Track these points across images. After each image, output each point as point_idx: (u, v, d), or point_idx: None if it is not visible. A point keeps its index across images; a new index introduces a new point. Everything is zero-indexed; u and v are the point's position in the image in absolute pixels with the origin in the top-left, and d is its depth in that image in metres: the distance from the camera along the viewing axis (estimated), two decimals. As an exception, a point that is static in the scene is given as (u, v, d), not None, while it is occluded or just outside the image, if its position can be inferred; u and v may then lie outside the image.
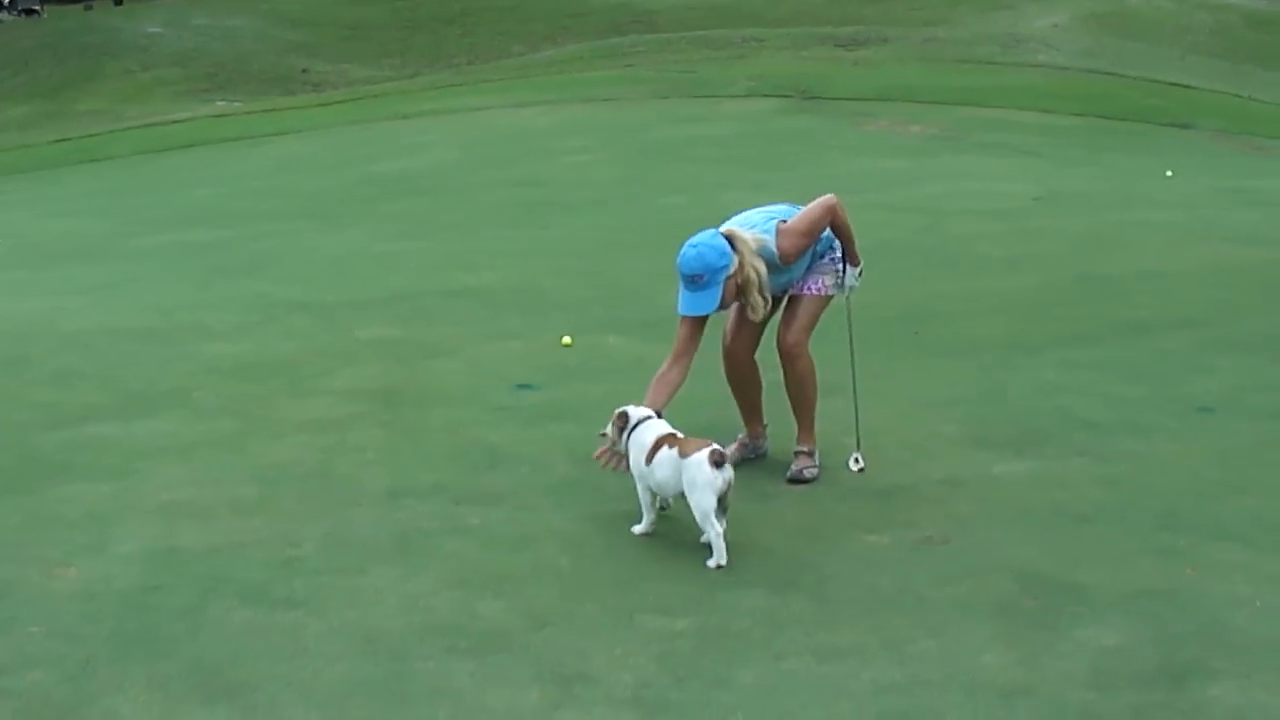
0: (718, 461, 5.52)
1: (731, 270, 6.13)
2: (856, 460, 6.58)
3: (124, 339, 8.92)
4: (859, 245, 6.56)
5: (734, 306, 6.47)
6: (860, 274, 6.57)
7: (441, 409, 7.55)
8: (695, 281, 6.14)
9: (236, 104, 22.89)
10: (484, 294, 10.18)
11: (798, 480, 6.47)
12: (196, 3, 34.92)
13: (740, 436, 6.79)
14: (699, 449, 5.56)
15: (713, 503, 5.50)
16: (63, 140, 21.16)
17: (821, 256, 6.52)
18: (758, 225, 6.33)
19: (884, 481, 6.52)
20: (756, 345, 6.70)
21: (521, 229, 12.67)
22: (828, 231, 6.45)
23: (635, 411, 5.98)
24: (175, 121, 20.84)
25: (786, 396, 6.66)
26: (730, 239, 6.17)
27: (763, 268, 6.20)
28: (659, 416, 5.98)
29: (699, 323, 6.26)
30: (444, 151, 16.96)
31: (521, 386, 7.95)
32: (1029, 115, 19.43)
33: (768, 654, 4.85)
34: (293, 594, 5.30)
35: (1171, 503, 6.26)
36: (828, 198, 6.41)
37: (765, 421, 6.80)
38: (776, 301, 6.56)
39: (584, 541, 5.83)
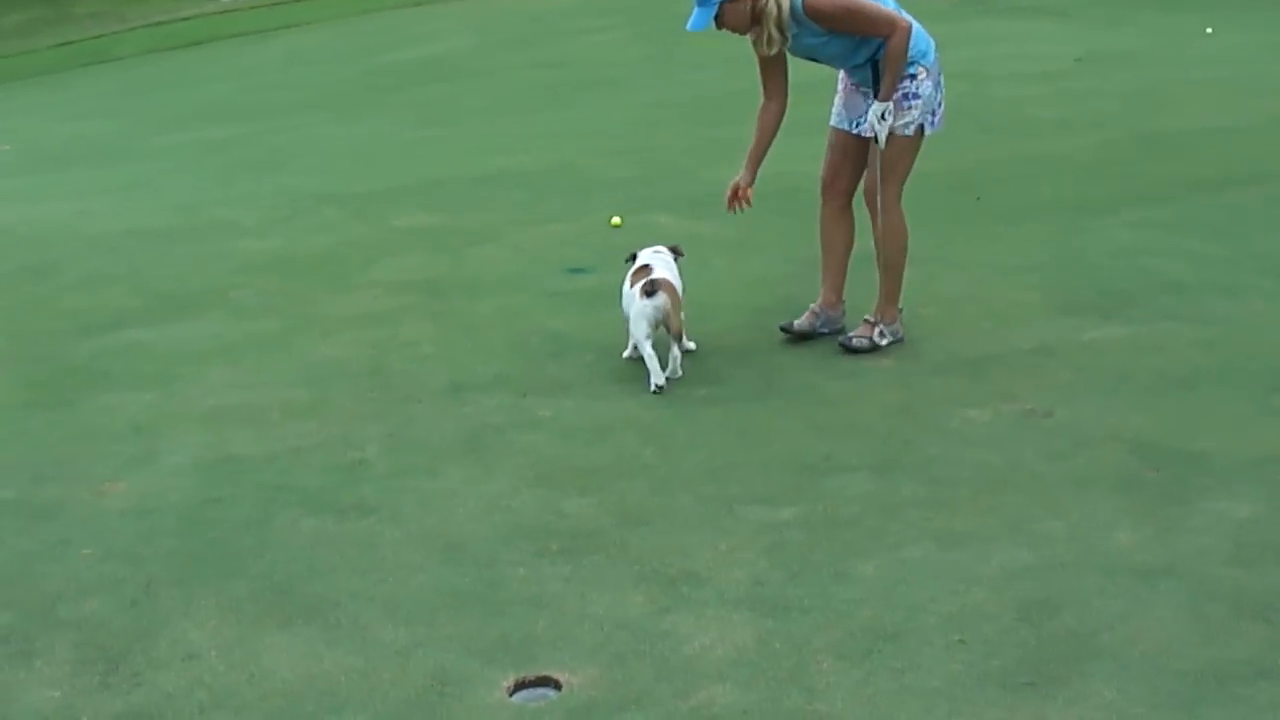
0: (649, 291, 5.72)
1: None
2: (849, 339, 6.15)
3: (151, 240, 8.53)
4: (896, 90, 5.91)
5: (829, 137, 6.20)
6: (884, 116, 5.89)
7: (493, 297, 7.16)
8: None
9: (242, 0, 22.19)
10: (520, 177, 9.76)
11: (845, 347, 6.12)
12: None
13: (812, 305, 6.39)
14: (640, 280, 5.79)
15: (643, 329, 5.75)
16: (65, 44, 20.50)
17: (894, 90, 5.88)
18: None
19: (973, 352, 6.14)
20: (854, 186, 6.28)
21: (549, 111, 12.20)
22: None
23: (642, 254, 6.14)
24: (181, 19, 20.19)
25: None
26: None
27: (786, 3, 5.71)
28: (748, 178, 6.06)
29: (770, 64, 5.95)
30: (460, 38, 16.41)
31: (574, 270, 7.55)
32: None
33: (884, 542, 4.49)
34: (362, 500, 4.94)
35: (1277, 363, 5.87)
36: (902, 20, 5.81)
37: (843, 297, 6.38)
38: (868, 140, 6.04)
39: (665, 430, 5.46)
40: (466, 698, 3.73)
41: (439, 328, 6.73)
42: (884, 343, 6.19)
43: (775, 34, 5.78)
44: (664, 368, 5.83)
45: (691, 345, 6.12)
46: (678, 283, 6.04)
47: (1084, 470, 4.96)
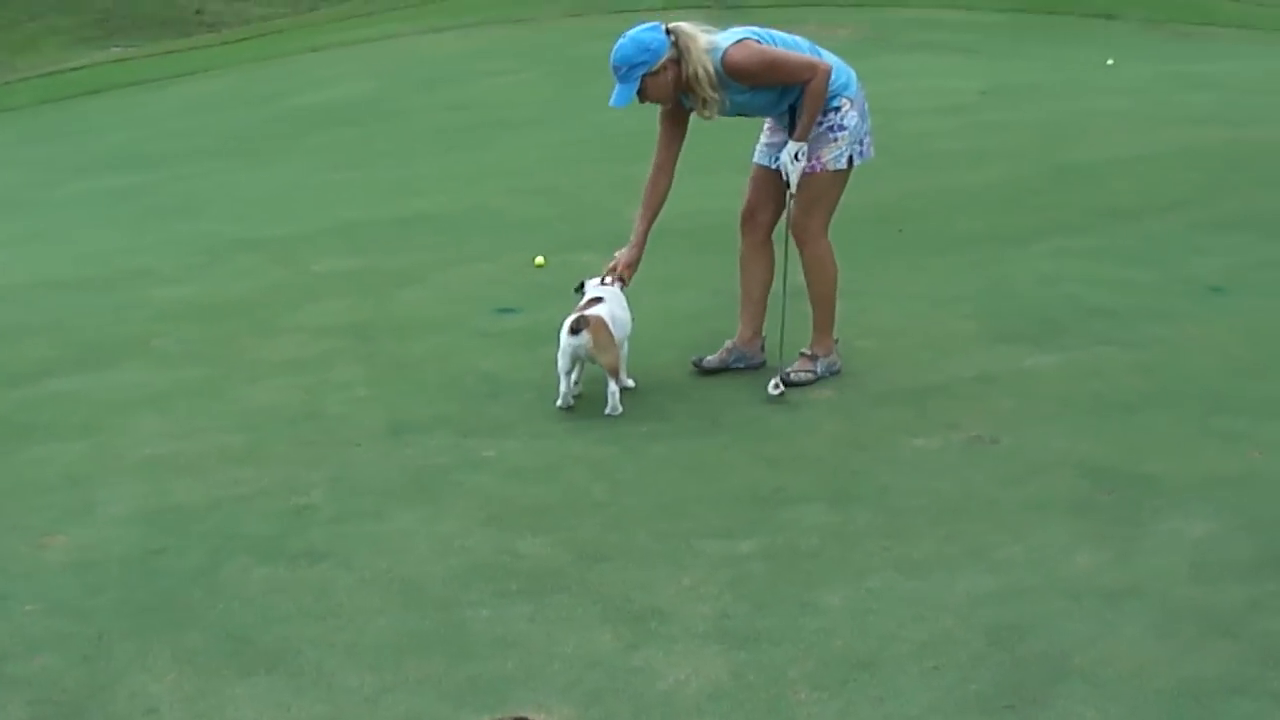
0: (574, 329, 5.76)
1: (655, 66, 5.69)
2: (776, 386, 6.01)
3: (65, 290, 8.32)
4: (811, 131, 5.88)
5: (751, 173, 6.18)
6: (798, 156, 5.85)
7: (423, 339, 7.06)
8: (617, 72, 5.77)
9: (133, 49, 21.86)
10: (439, 219, 9.68)
11: (785, 381, 6.03)
12: (76, -54, 33.44)
13: (728, 342, 6.37)
14: (569, 318, 5.83)
15: (563, 364, 5.85)
16: (-47, 95, 20.11)
17: (818, 125, 5.87)
18: (726, 36, 5.81)
19: (914, 382, 6.16)
20: (774, 220, 6.25)
21: (462, 152, 12.14)
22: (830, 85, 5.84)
23: (590, 284, 6.12)
24: (74, 69, 19.85)
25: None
26: (675, 34, 5.74)
27: (711, 66, 5.72)
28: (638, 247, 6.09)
29: (669, 128, 5.97)
30: (362, 82, 16.28)
31: (502, 310, 7.48)
32: (952, 13, 19.13)
33: (847, 572, 4.47)
34: (311, 546, 4.82)
35: (1214, 385, 5.97)
36: (821, 62, 5.81)
37: (763, 333, 6.35)
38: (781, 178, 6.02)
39: (613, 467, 5.40)
40: (442, 743, 3.63)
41: (371, 370, 6.62)
42: (825, 375, 6.21)
43: (713, 95, 5.77)
44: (607, 404, 5.82)
45: (630, 383, 6.08)
46: (625, 315, 6.00)
47: (1037, 495, 4.98)
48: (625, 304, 6.09)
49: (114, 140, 14.20)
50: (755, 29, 5.94)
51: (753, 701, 3.75)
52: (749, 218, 6.26)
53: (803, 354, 6.24)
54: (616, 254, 6.14)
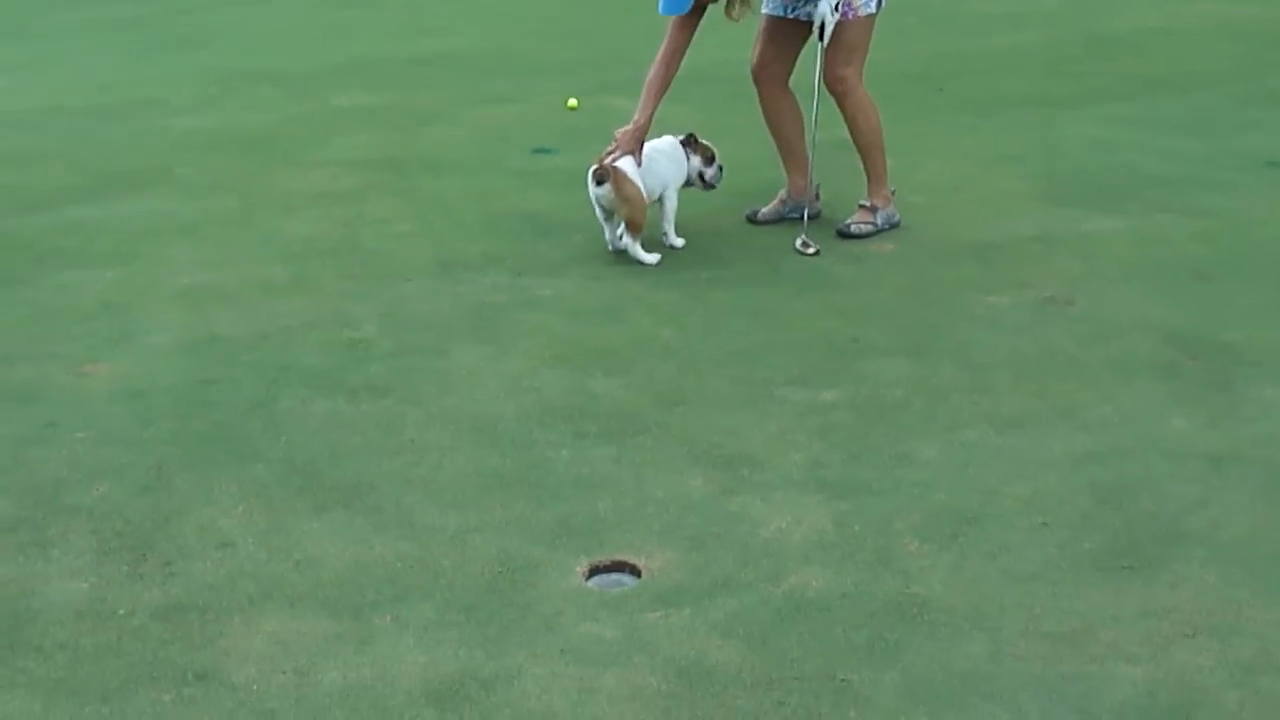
0: (599, 179, 5.59)
1: None
2: (805, 244, 5.81)
3: (75, 116, 8.00)
4: None
5: (761, 24, 5.98)
6: (838, 7, 5.70)
7: (459, 176, 6.81)
8: None
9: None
10: (460, 59, 9.35)
11: (843, 233, 5.94)
12: None
13: (780, 192, 6.21)
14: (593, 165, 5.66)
15: (598, 212, 5.70)
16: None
17: None
18: None
19: (974, 239, 5.98)
20: (788, 70, 6.10)
21: (474, -8, 11.72)
22: None
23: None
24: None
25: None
26: None
27: None
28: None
29: (687, 23, 5.73)
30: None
31: (539, 150, 7.22)
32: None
33: (939, 425, 4.29)
34: (371, 380, 4.61)
35: (1283, 256, 5.79)
36: None
37: (816, 180, 6.14)
38: (804, 25, 5.89)
39: (679, 311, 5.20)
40: (540, 583, 3.46)
41: (409, 206, 6.37)
42: (884, 227, 6.04)
43: None
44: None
45: (679, 241, 5.86)
46: (668, 168, 5.80)
47: (1120, 357, 4.81)
48: (679, 155, 5.83)
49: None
50: None
51: (862, 552, 3.59)
52: (763, 69, 6.06)
53: (861, 205, 6.05)
54: (616, 133, 5.77)
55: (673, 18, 5.72)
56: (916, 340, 4.94)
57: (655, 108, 5.74)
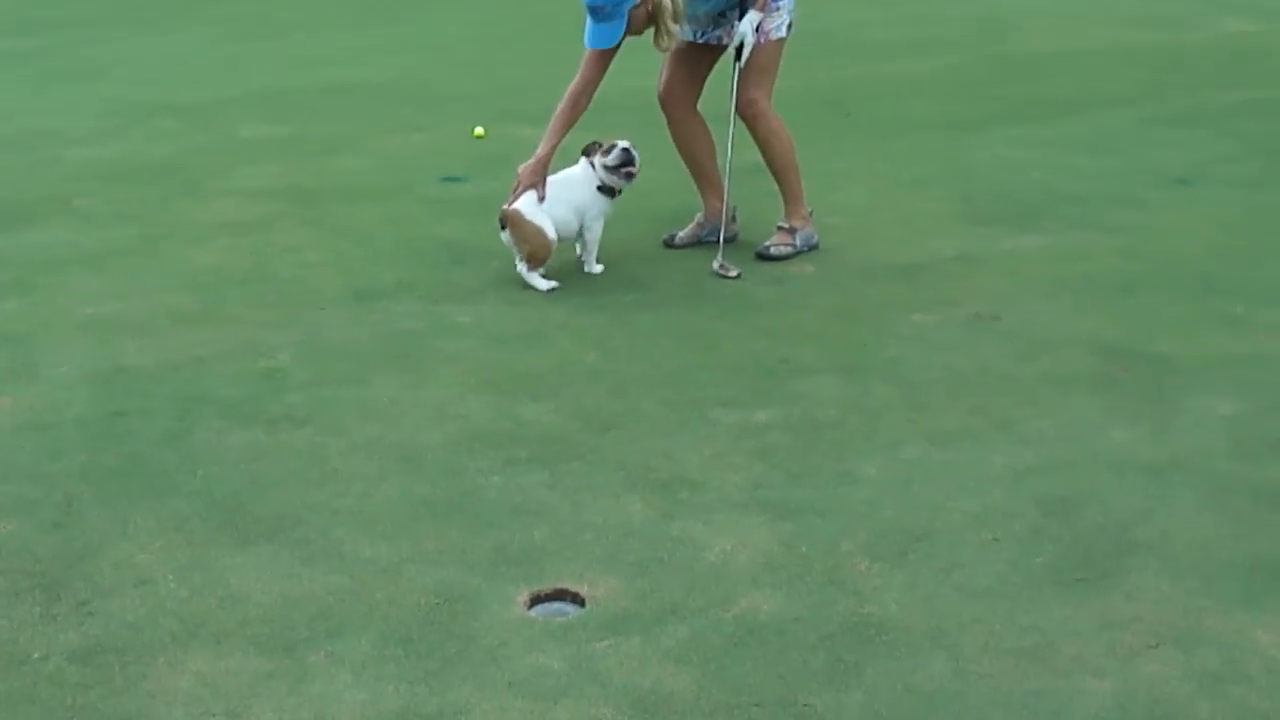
0: (501, 224, 5.57)
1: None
2: (724, 267, 5.71)
3: (-36, 147, 7.71)
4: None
5: (670, 52, 5.87)
6: (759, 28, 5.67)
7: (370, 204, 6.65)
8: (599, 13, 5.48)
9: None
10: (364, 89, 9.19)
11: (762, 255, 5.88)
12: None
13: (697, 216, 6.13)
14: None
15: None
16: None
17: None
18: None
19: (896, 259, 5.93)
20: (696, 95, 6.04)
21: (374, 26, 11.58)
22: None
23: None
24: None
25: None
26: None
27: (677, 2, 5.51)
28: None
29: (605, 56, 5.63)
30: (256, -46, 15.45)
31: (449, 179, 7.08)
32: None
33: (878, 443, 4.21)
34: (290, 410, 4.43)
35: (1204, 270, 5.82)
36: None
37: (733, 203, 6.03)
38: (713, 49, 5.88)
39: (603, 334, 5.08)
40: (481, 614, 3.31)
41: (319, 234, 6.20)
42: (804, 249, 5.99)
43: (673, 27, 5.57)
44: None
45: (599, 268, 5.74)
46: (580, 200, 5.66)
47: (1053, 371, 4.77)
48: (590, 178, 5.69)
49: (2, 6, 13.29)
50: None
51: (811, 573, 3.48)
52: (670, 95, 6.01)
53: (779, 227, 5.99)
54: (519, 168, 5.64)
55: (588, 52, 5.61)
56: (846, 359, 4.86)
57: (559, 140, 5.62)
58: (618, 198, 5.73)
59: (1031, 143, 7.90)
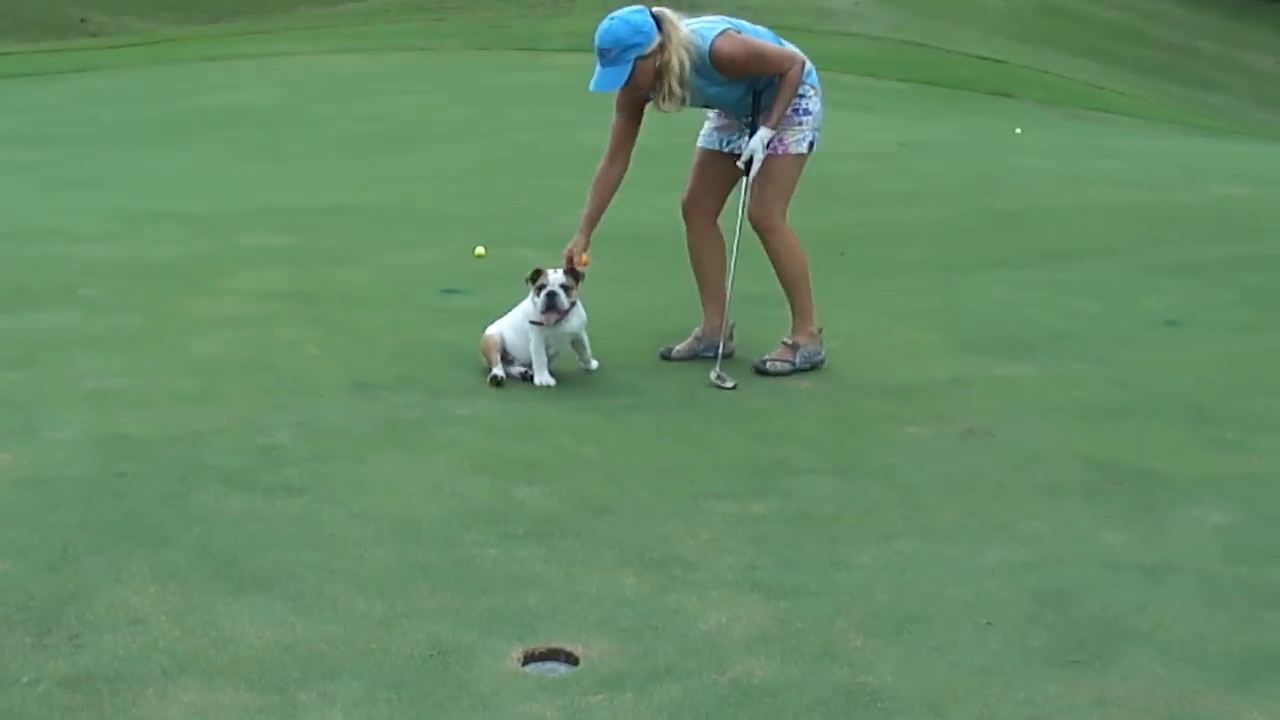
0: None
1: (647, 50, 5.45)
2: (720, 378, 5.73)
3: (-28, 241, 7.79)
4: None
5: (695, 158, 5.97)
6: (769, 145, 5.69)
7: (371, 310, 6.71)
8: (604, 55, 5.50)
9: (16, 47, 21.05)
10: (369, 211, 9.31)
11: (759, 370, 5.89)
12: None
13: (695, 330, 6.14)
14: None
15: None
16: None
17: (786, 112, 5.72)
18: (705, 25, 5.59)
19: (890, 380, 5.99)
20: (718, 207, 6.09)
21: (379, 156, 11.77)
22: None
23: (551, 276, 5.60)
24: (-47, 56, 19.03)
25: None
26: (659, 20, 5.50)
27: (687, 59, 5.50)
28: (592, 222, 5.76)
29: (630, 116, 5.73)
30: (266, 90, 15.79)
31: (449, 291, 7.16)
32: (856, 79, 19.24)
33: (872, 536, 4.22)
34: (287, 481, 4.44)
35: (1195, 401, 5.88)
36: (797, 51, 5.74)
37: (731, 320, 6.07)
38: (735, 161, 5.83)
39: (599, 431, 5.11)
40: (474, 666, 3.29)
41: (322, 332, 6.25)
42: (804, 365, 5.98)
43: (676, 89, 5.54)
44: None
45: (595, 364, 5.82)
46: (516, 319, 5.71)
47: (1046, 481, 4.81)
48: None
49: (7, 122, 13.50)
50: (726, 18, 5.74)
51: (805, 645, 3.48)
52: (693, 204, 6.06)
53: (783, 343, 6.01)
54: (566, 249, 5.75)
55: (615, 119, 5.71)
56: (841, 463, 4.90)
57: (597, 211, 5.73)
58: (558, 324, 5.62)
59: (1023, 284, 8.02)
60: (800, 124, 5.78)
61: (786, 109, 5.71)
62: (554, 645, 3.42)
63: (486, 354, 5.67)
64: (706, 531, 4.21)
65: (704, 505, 4.43)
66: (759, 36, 5.76)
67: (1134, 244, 9.38)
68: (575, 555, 3.98)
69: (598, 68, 5.53)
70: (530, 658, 3.38)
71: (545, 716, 3.08)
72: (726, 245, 6.08)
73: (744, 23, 5.80)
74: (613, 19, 5.52)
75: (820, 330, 6.08)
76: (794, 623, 3.61)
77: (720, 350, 5.98)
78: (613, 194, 5.81)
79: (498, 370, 5.61)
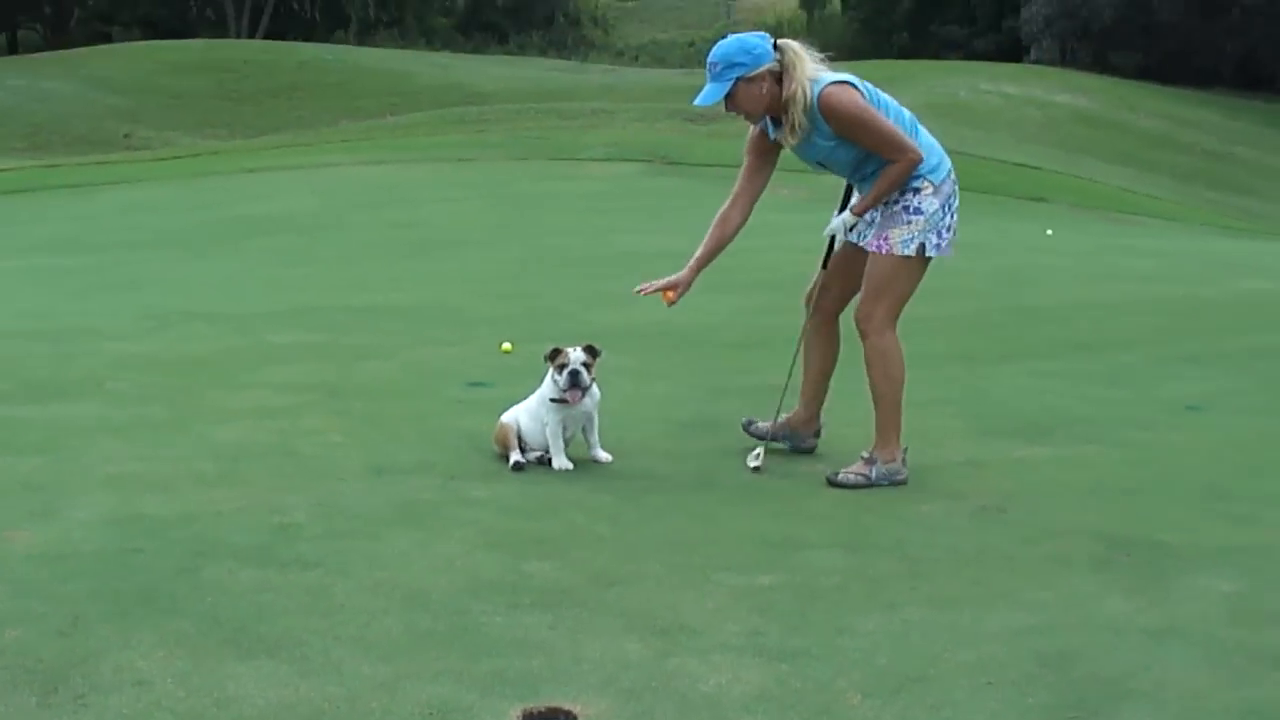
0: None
1: (754, 73, 5.28)
2: (758, 456, 5.65)
3: (9, 338, 7.99)
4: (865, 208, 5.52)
5: (824, 250, 5.79)
6: (852, 229, 5.55)
7: (395, 401, 6.82)
8: (712, 70, 5.35)
9: (61, 162, 21.59)
10: (398, 311, 9.47)
11: (831, 482, 5.55)
12: (9, 63, 33.27)
13: (783, 415, 5.91)
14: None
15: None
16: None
17: (893, 203, 5.47)
18: (830, 75, 5.40)
19: (909, 463, 5.99)
20: (842, 304, 5.90)
21: (413, 260, 11.98)
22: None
23: (572, 355, 5.65)
24: (2, 170, 19.49)
25: None
26: (781, 49, 5.36)
27: (810, 93, 5.30)
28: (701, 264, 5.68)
29: (758, 156, 5.63)
30: (303, 199, 16.14)
31: (474, 384, 7.26)
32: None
33: (878, 604, 4.25)
34: (301, 556, 4.51)
35: (1209, 479, 5.88)
36: (914, 153, 5.37)
37: (822, 419, 5.94)
38: (864, 258, 5.62)
39: (615, 511, 5.16)
40: (473, 724, 3.33)
41: (345, 421, 6.35)
42: (881, 482, 5.57)
43: (803, 119, 5.33)
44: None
45: (606, 457, 5.84)
46: (532, 405, 5.77)
47: (1055, 553, 4.82)
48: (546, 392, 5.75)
49: (50, 230, 13.85)
50: (858, 79, 5.51)
51: (804, 704, 3.50)
52: (816, 296, 5.88)
53: (862, 456, 5.66)
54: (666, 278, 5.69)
55: (744, 159, 5.65)
56: (851, 538, 4.93)
57: (709, 253, 5.65)
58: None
59: (1047, 374, 8.05)
60: (909, 223, 5.48)
61: (879, 200, 5.44)
62: (554, 705, 3.45)
63: (502, 441, 5.75)
64: (713, 601, 4.24)
65: (713, 577, 4.46)
66: (884, 108, 5.44)
67: (1157, 336, 9.42)
68: (581, 623, 4.02)
69: (707, 82, 5.37)
70: (530, 716, 3.41)
71: (541, 770, 3.11)
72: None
73: (884, 95, 5.52)
74: (726, 38, 5.47)
75: (905, 450, 5.70)
76: (793, 684, 3.63)
77: (793, 444, 5.90)
78: (728, 240, 5.67)
79: (517, 455, 5.69)
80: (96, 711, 3.31)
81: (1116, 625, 4.12)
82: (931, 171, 5.51)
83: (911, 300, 5.82)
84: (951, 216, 5.62)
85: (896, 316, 5.69)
